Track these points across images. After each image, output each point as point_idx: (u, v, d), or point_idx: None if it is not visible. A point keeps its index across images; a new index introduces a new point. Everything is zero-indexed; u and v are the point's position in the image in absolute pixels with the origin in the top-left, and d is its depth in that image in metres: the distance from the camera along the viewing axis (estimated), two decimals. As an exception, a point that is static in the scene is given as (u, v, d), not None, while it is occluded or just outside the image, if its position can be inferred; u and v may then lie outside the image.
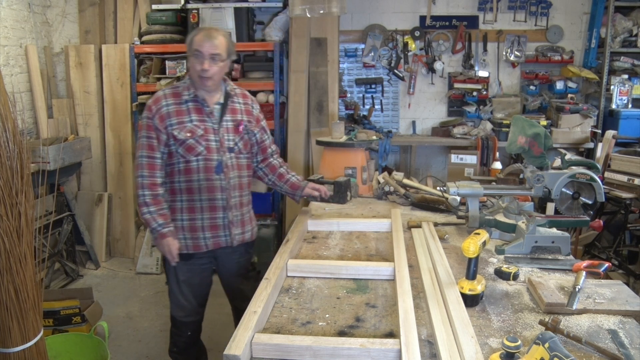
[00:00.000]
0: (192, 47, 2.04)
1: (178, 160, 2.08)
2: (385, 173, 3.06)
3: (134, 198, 4.50)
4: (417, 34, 4.65)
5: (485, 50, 4.67)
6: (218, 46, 2.03)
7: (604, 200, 2.14)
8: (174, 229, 2.11)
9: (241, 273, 2.36)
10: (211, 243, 2.17)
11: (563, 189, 2.01)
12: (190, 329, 2.36)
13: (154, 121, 2.06)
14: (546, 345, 1.11)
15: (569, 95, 4.50)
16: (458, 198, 2.11)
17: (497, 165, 3.44)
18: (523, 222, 2.00)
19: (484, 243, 1.55)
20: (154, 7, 4.32)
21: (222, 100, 2.15)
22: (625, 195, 3.44)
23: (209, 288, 2.37)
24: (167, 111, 2.06)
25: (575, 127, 4.33)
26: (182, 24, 4.32)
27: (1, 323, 1.61)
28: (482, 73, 4.65)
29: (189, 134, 2.05)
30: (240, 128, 2.17)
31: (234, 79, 4.25)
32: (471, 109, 4.65)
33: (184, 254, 2.15)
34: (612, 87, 4.38)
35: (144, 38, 4.29)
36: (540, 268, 1.82)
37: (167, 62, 4.23)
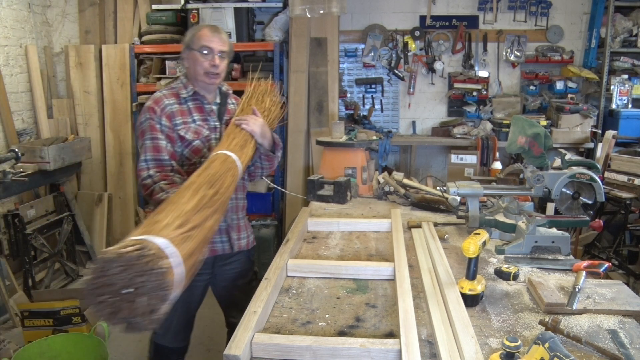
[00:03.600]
0: (199, 43, 1.91)
1: (181, 163, 1.95)
2: (385, 173, 3.06)
3: (134, 198, 4.50)
4: (417, 34, 4.65)
5: (485, 50, 4.67)
6: (225, 42, 1.95)
7: (604, 200, 2.14)
8: None
9: (239, 284, 2.19)
10: (208, 250, 2.00)
11: (563, 189, 2.01)
12: (176, 357, 2.15)
13: (161, 121, 1.91)
14: (546, 345, 1.11)
15: (569, 95, 4.50)
16: (458, 198, 2.11)
17: (497, 165, 3.44)
18: (523, 222, 2.00)
19: (484, 243, 1.55)
20: (154, 7, 4.32)
21: (218, 100, 2.08)
22: (625, 195, 3.44)
23: (198, 307, 2.17)
24: (171, 110, 1.93)
25: (575, 127, 4.33)
26: (182, 24, 4.32)
27: None
28: (482, 73, 4.65)
29: (195, 135, 1.95)
30: None
31: (234, 79, 4.25)
32: (471, 109, 4.65)
33: None
34: (612, 87, 4.38)
35: (144, 38, 4.29)
36: (540, 268, 1.82)
37: (167, 62, 4.23)
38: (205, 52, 1.91)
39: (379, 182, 2.98)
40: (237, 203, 2.10)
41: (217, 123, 2.04)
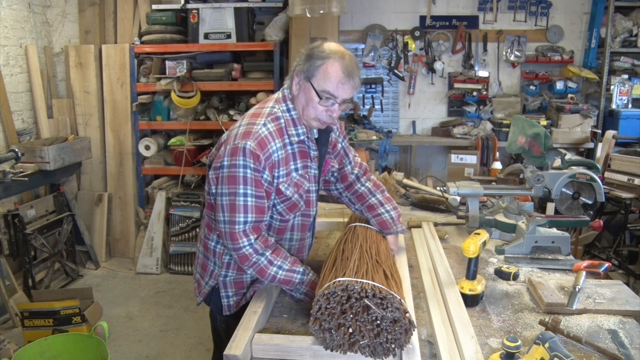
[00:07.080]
0: (322, 85, 1.48)
1: (272, 217, 1.61)
2: (385, 173, 3.06)
3: (134, 198, 4.50)
4: (417, 34, 4.65)
5: (485, 50, 4.67)
6: (356, 88, 1.53)
7: (604, 200, 2.14)
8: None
9: None
10: None
11: (563, 189, 2.01)
12: None
13: (264, 174, 1.50)
14: (546, 345, 1.11)
15: (569, 95, 4.50)
16: (458, 198, 2.11)
17: (497, 165, 3.44)
18: (523, 222, 2.00)
19: (484, 243, 1.55)
20: (154, 7, 4.32)
21: (317, 135, 1.66)
22: (625, 195, 3.44)
23: None
24: (277, 159, 1.52)
25: (575, 127, 4.33)
26: (182, 24, 4.32)
27: None
28: (482, 73, 4.64)
29: (295, 189, 1.58)
30: (325, 169, 1.77)
31: (234, 79, 4.25)
32: (471, 109, 4.65)
33: None
34: (612, 87, 4.38)
35: (144, 38, 4.29)
36: (540, 268, 1.82)
37: (167, 62, 4.23)
38: (326, 97, 1.50)
39: (379, 182, 2.98)
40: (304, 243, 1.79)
41: (317, 172, 1.68)
